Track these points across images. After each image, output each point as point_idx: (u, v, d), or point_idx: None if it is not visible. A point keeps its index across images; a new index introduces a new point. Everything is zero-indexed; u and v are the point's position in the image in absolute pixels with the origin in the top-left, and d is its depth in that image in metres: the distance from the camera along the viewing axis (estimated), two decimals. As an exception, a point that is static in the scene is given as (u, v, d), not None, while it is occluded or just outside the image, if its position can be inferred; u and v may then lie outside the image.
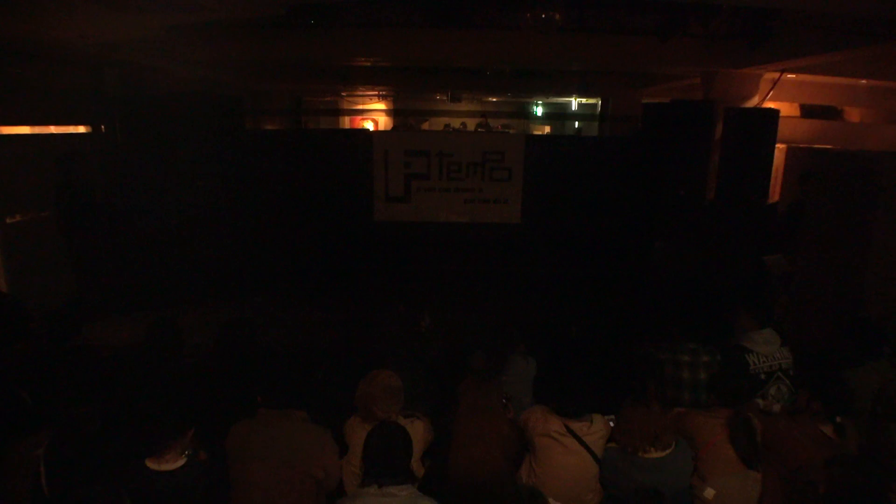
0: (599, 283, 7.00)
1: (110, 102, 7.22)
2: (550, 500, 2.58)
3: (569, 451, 3.08)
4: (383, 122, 18.10)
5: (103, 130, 7.33)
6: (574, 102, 16.65)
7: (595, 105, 16.29)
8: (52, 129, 7.14)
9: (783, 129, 7.20)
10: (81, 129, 7.38)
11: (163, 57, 6.99)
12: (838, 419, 3.03)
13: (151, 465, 2.56)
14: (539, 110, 17.85)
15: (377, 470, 2.51)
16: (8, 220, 6.09)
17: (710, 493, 2.86)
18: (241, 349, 3.78)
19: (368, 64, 9.28)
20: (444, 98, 15.20)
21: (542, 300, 6.51)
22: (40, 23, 4.90)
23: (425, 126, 16.71)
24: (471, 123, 16.40)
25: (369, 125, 17.35)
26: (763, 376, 3.71)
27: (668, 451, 2.91)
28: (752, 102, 7.94)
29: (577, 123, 17.38)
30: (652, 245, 7.65)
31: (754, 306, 4.04)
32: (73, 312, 3.84)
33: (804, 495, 2.65)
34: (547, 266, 7.43)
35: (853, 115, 9.44)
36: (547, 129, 17.46)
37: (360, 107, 17.54)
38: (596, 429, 3.13)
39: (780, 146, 7.43)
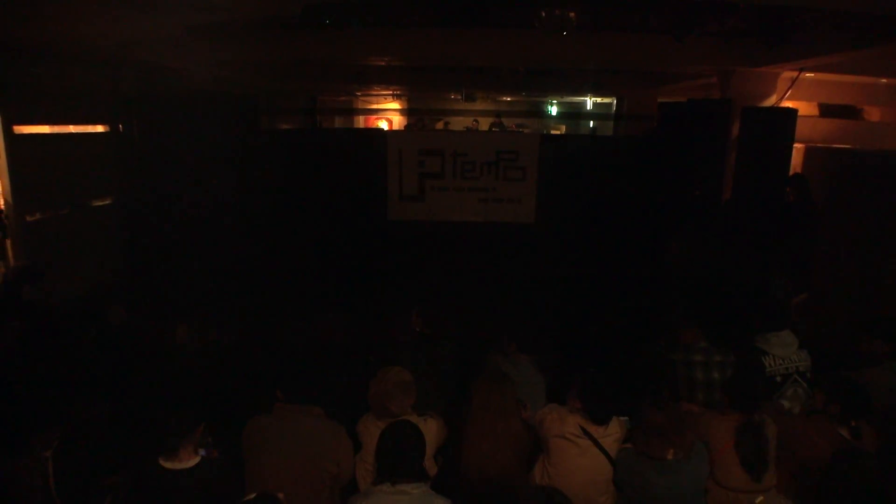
0: (613, 284, 6.95)
1: (128, 102, 7.31)
2: None
3: (583, 452, 3.07)
4: (398, 121, 18.14)
5: (121, 130, 7.42)
6: (589, 101, 16.57)
7: (610, 104, 16.20)
8: (72, 129, 7.23)
9: (801, 128, 7.08)
10: (100, 129, 7.47)
11: (180, 57, 7.06)
12: (853, 423, 3.00)
13: (166, 464, 2.58)
14: (554, 109, 17.77)
15: (390, 468, 2.53)
16: (28, 218, 6.18)
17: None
18: (261, 346, 3.82)
19: (383, 63, 9.30)
20: (459, 97, 15.19)
21: (556, 300, 6.48)
22: (60, 23, 4.96)
23: (440, 126, 16.69)
24: (484, 123, 16.36)
25: (384, 124, 17.39)
26: (779, 378, 3.68)
27: (684, 454, 2.89)
28: (770, 101, 7.83)
29: (591, 123, 17.29)
30: (667, 245, 7.59)
31: (771, 307, 4.01)
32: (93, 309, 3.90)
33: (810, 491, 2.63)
34: (561, 266, 7.40)
35: (873, 114, 9.30)
36: (562, 129, 17.38)
37: (375, 106, 17.60)
38: (611, 430, 3.12)
39: (797, 146, 7.34)
